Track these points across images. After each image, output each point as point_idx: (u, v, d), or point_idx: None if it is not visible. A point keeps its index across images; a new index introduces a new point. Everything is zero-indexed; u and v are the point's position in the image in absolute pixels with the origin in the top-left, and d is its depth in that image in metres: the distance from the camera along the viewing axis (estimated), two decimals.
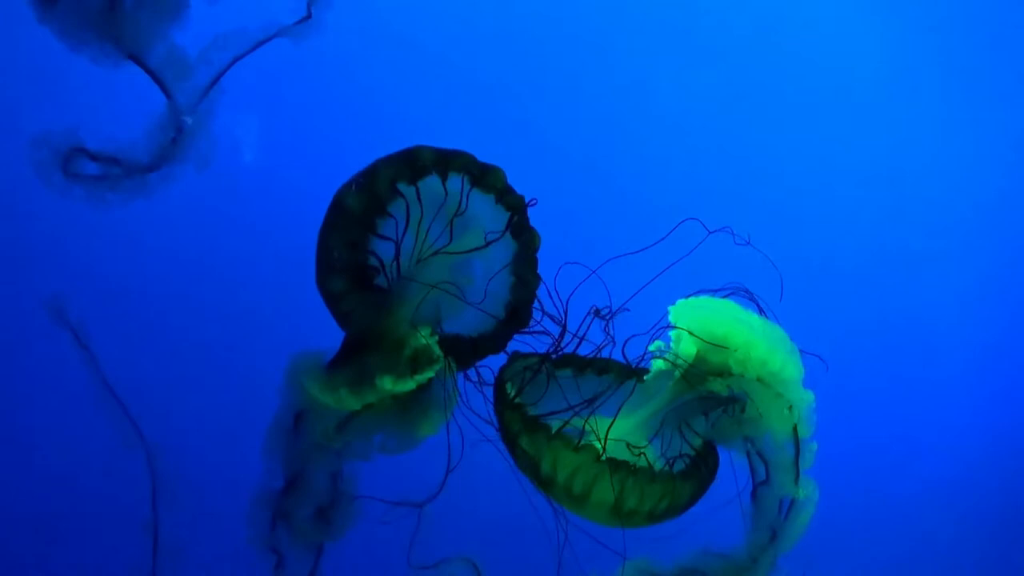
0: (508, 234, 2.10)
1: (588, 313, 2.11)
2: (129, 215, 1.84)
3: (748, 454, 2.07)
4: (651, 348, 2.09)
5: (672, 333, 2.06)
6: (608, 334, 2.11)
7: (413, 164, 1.99)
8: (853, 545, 3.73)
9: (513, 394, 2.05)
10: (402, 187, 2.01)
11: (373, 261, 2.04)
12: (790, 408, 1.97)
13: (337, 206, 1.99)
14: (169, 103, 1.81)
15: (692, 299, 2.05)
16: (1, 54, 2.89)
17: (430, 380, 2.01)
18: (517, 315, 2.12)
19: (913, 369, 3.91)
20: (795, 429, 1.99)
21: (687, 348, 2.03)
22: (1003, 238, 3.96)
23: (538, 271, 2.13)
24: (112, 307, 2.90)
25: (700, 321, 2.00)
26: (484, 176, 2.04)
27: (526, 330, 2.14)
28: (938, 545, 3.89)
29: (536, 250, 2.12)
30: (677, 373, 2.05)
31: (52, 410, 2.96)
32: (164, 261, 3.00)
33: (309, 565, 2.11)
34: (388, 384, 1.96)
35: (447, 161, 2.01)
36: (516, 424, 1.99)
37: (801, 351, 2.02)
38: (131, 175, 1.83)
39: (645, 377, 2.10)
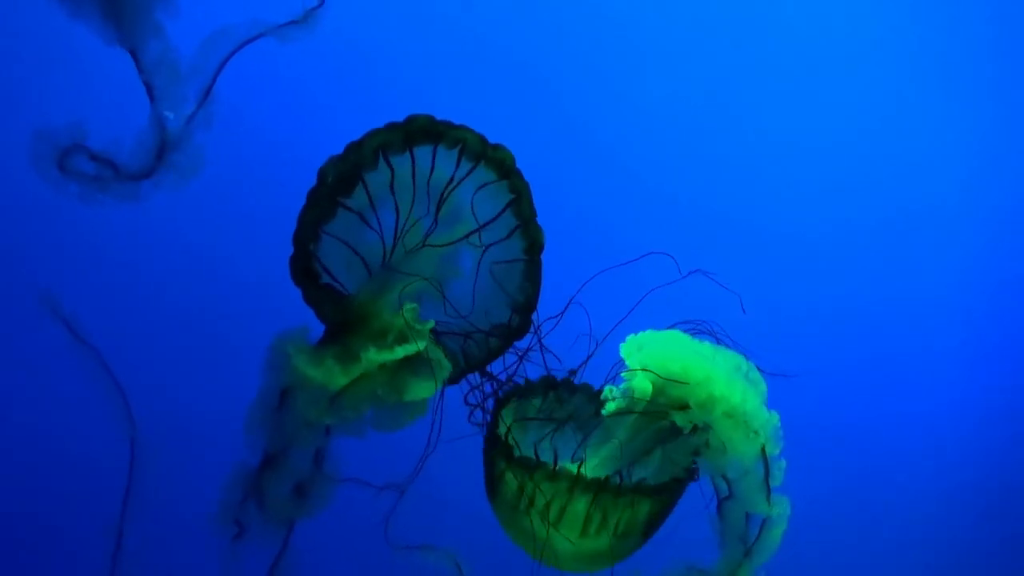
0: (512, 227, 2.02)
1: (567, 375, 2.09)
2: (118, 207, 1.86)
3: (712, 475, 2.08)
4: (606, 392, 2.04)
5: (627, 371, 2.02)
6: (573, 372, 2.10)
7: (405, 130, 1.89)
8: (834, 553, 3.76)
9: (505, 437, 2.03)
10: (392, 157, 1.92)
11: (327, 257, 1.99)
12: (755, 432, 1.97)
13: (317, 178, 1.93)
14: (153, 102, 1.82)
15: (643, 334, 2.02)
16: (20, 44, 2.92)
17: (416, 353, 1.98)
18: (519, 321, 2.07)
19: (890, 376, 3.94)
20: (763, 450, 2.00)
21: (643, 384, 1.99)
22: (977, 245, 3.98)
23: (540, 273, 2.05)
24: (102, 289, 2.93)
25: (655, 357, 1.97)
26: (487, 152, 1.93)
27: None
28: (919, 551, 3.92)
29: (541, 248, 2.03)
30: (637, 409, 2.02)
31: (42, 385, 3.01)
32: (154, 246, 3.03)
33: (277, 540, 2.10)
34: (372, 355, 1.94)
35: (445, 127, 1.91)
36: (503, 462, 1.99)
37: (763, 370, 2.01)
38: (123, 180, 1.84)
39: (604, 415, 2.05)
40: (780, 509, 2.07)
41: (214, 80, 1.87)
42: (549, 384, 2.14)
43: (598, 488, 1.90)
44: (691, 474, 2.04)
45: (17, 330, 2.93)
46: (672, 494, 2.02)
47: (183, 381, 3.03)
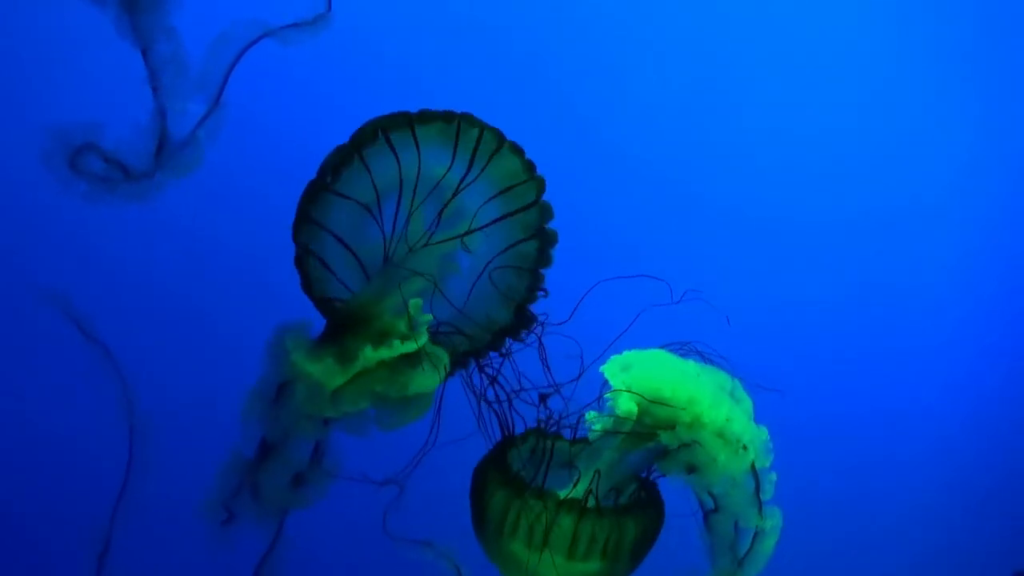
0: (527, 230, 2.04)
1: (540, 401, 2.07)
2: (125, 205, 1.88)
3: (699, 491, 2.07)
4: (588, 416, 2.04)
5: (610, 393, 2.00)
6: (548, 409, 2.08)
7: (410, 117, 1.90)
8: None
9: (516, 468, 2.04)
10: (394, 135, 1.92)
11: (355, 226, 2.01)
12: (744, 448, 1.96)
13: (318, 171, 1.95)
14: (161, 100, 1.84)
15: (626, 355, 2.00)
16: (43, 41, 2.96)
17: (418, 352, 1.99)
18: (523, 316, 2.10)
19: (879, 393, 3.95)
20: (752, 465, 1.98)
21: (628, 405, 1.97)
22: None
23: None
24: (107, 284, 2.96)
25: (639, 377, 1.96)
26: (504, 144, 1.95)
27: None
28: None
29: (553, 242, 2.06)
30: (624, 430, 2.00)
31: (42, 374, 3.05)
32: (159, 243, 3.05)
33: (270, 530, 2.12)
34: (370, 353, 1.95)
35: (464, 120, 1.92)
36: (497, 482, 1.98)
37: (749, 383, 2.01)
38: (132, 179, 1.85)
39: (590, 437, 2.06)
40: (772, 521, 2.07)
41: (225, 80, 1.89)
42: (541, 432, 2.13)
43: (583, 507, 1.90)
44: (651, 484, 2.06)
45: (22, 324, 2.96)
46: (650, 511, 2.02)
47: (184, 373, 3.05)
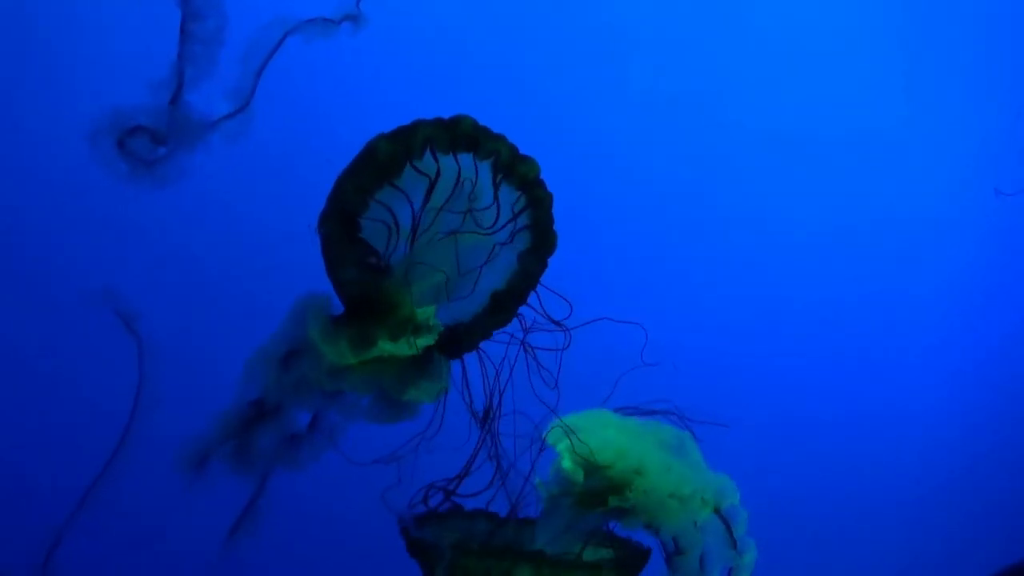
0: (526, 227, 2.05)
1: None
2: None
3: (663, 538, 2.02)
4: (537, 484, 1.99)
5: (556, 457, 1.98)
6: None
7: (452, 131, 1.94)
8: None
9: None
10: (436, 151, 1.97)
11: (375, 216, 2.01)
12: (703, 500, 1.93)
13: (366, 150, 1.95)
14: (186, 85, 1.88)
15: (569, 418, 1.95)
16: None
17: (428, 351, 1.99)
18: (504, 305, 2.07)
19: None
20: (718, 510, 1.96)
21: (574, 470, 1.94)
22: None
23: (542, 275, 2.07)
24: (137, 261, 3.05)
25: (584, 443, 1.92)
26: (516, 164, 1.99)
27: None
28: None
29: (551, 251, 2.05)
30: (574, 494, 1.97)
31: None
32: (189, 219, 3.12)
33: (250, 489, 2.09)
34: (386, 346, 1.96)
35: (484, 137, 1.97)
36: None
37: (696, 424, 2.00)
38: (166, 162, 1.89)
39: (543, 503, 2.02)
40: (748, 556, 2.05)
41: (262, 69, 1.93)
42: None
43: (543, 561, 1.87)
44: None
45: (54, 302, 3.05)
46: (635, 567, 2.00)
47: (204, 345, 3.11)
